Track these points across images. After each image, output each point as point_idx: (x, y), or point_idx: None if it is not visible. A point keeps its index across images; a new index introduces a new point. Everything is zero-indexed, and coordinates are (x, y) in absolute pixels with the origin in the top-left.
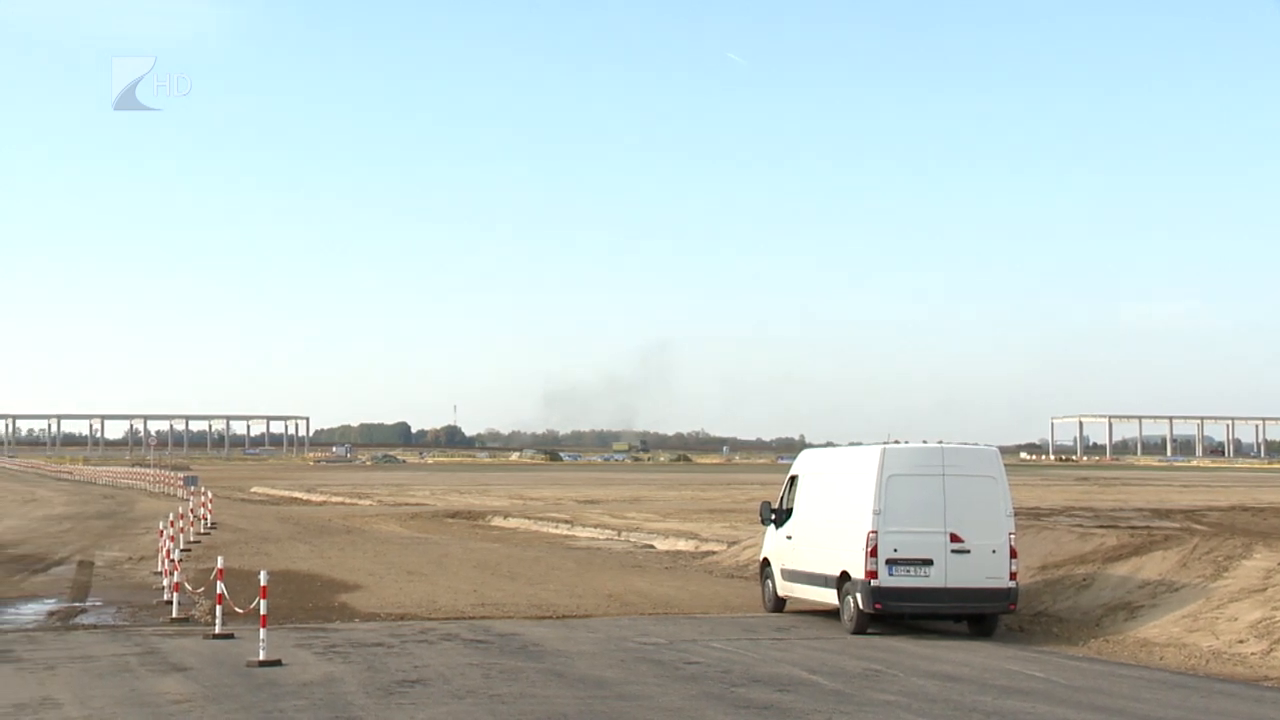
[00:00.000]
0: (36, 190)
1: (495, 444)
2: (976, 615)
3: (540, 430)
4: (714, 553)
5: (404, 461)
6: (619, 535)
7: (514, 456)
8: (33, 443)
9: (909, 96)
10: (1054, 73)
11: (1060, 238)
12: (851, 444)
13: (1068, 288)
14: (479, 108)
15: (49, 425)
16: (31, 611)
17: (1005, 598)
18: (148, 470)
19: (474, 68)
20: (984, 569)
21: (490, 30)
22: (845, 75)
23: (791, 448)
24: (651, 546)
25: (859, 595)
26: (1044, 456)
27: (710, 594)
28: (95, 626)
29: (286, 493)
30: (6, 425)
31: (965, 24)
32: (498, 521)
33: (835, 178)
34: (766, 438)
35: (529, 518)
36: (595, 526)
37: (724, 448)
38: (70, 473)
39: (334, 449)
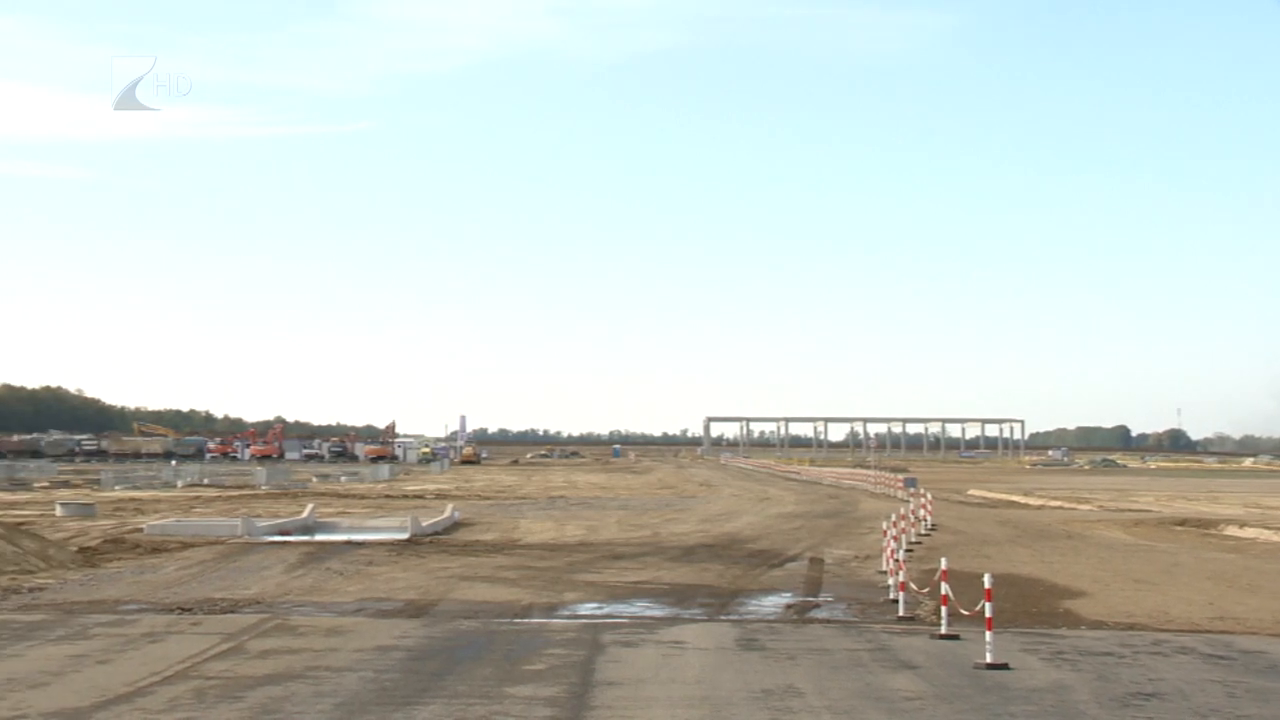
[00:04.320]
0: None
1: (1224, 449)
2: None
3: (1277, 434)
4: None
5: (1124, 466)
6: None
7: (1247, 462)
8: (763, 444)
9: None
10: None
11: None
12: None
13: None
14: None
15: (778, 427)
16: (771, 604)
17: None
18: (868, 471)
19: None
20: None
21: None
22: None
23: None
24: None
25: None
26: None
27: None
28: (828, 621)
29: (1003, 495)
30: (741, 427)
31: None
32: (1232, 530)
33: None
34: None
35: (1268, 528)
36: None
37: None
38: (798, 473)
39: (1050, 452)
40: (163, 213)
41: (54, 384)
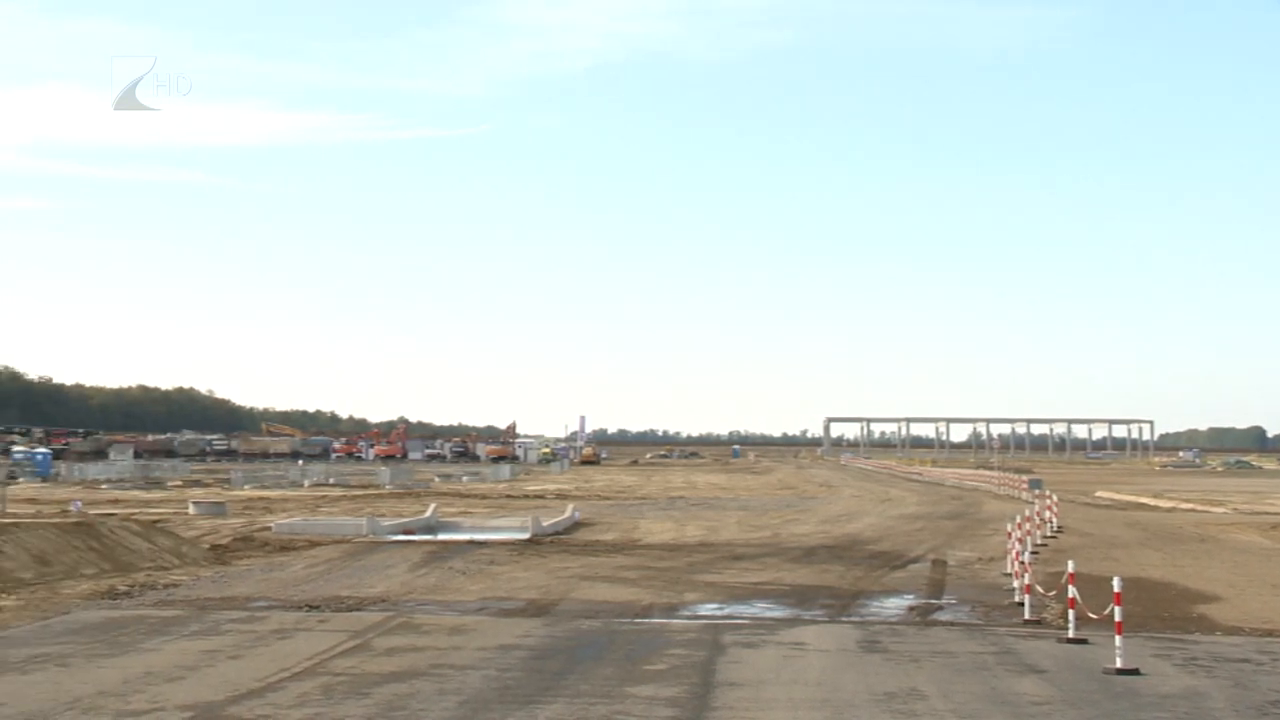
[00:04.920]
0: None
1: None
2: None
3: None
4: None
5: (1259, 468)
6: None
7: None
8: (884, 444)
9: None
10: None
11: None
12: None
13: None
14: None
15: (899, 428)
16: (893, 605)
17: None
18: (992, 472)
19: None
20: None
21: None
22: None
23: None
24: None
25: None
26: None
27: None
28: (952, 623)
29: (1132, 498)
30: (862, 428)
31: None
32: None
33: None
34: None
35: None
36: None
37: None
38: (919, 473)
39: (1181, 454)
40: (290, 218)
41: (186, 385)
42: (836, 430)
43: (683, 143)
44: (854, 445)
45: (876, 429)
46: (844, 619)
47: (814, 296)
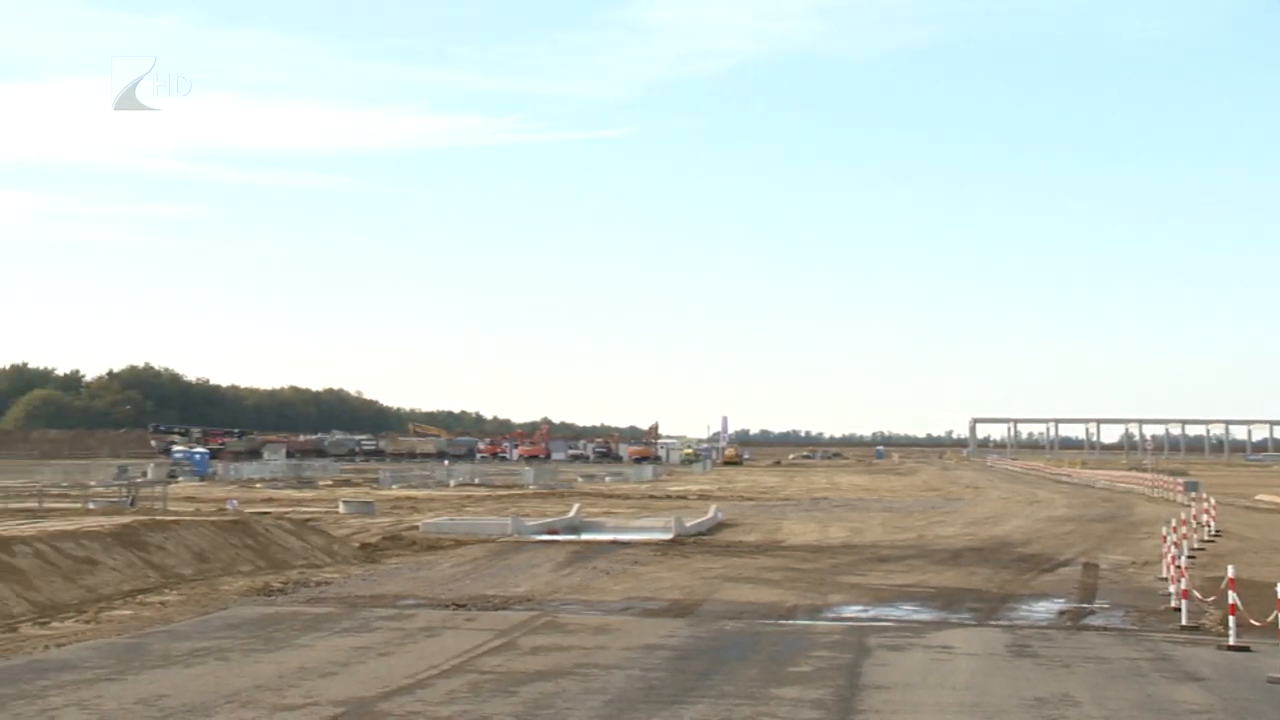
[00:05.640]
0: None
1: None
2: None
3: None
4: None
5: None
6: None
7: None
8: (1031, 445)
9: None
10: None
11: None
12: None
13: None
14: None
15: (1047, 429)
16: (1043, 609)
17: None
18: (1144, 474)
19: None
20: None
21: None
22: None
23: None
24: None
25: None
26: None
27: None
28: (1105, 628)
29: None
30: (1009, 428)
31: None
32: None
33: None
34: None
35: None
36: None
37: None
38: (1068, 475)
39: None
40: (435, 221)
41: (336, 386)
42: (982, 431)
43: (826, 143)
44: (1000, 446)
45: (1024, 429)
46: (992, 622)
47: (960, 295)
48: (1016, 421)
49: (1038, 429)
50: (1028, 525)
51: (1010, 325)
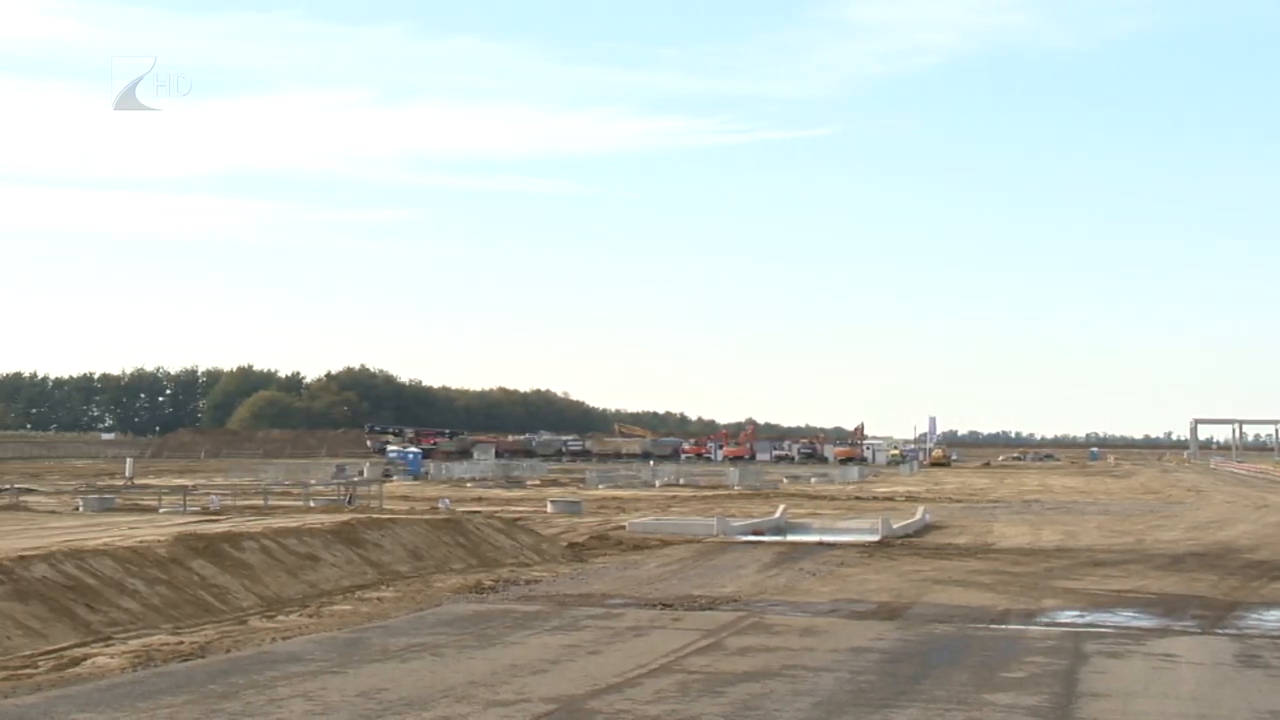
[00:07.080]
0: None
1: None
2: None
3: None
4: None
5: None
6: None
7: None
8: (1259, 447)
9: None
10: None
11: None
12: None
13: None
14: None
15: (1275, 430)
16: (1274, 618)
17: None
18: None
19: None
20: None
21: None
22: None
23: None
24: None
25: None
26: None
27: None
28: None
29: None
30: (1233, 429)
31: None
32: None
33: None
34: None
35: None
36: None
37: None
38: None
39: None
40: (640, 223)
41: (543, 387)
42: (1204, 432)
43: (1035, 137)
44: (1224, 448)
45: (1250, 431)
46: (1218, 631)
47: (1180, 290)
48: (1241, 422)
49: (1265, 430)
50: (1256, 530)
51: (1236, 321)
